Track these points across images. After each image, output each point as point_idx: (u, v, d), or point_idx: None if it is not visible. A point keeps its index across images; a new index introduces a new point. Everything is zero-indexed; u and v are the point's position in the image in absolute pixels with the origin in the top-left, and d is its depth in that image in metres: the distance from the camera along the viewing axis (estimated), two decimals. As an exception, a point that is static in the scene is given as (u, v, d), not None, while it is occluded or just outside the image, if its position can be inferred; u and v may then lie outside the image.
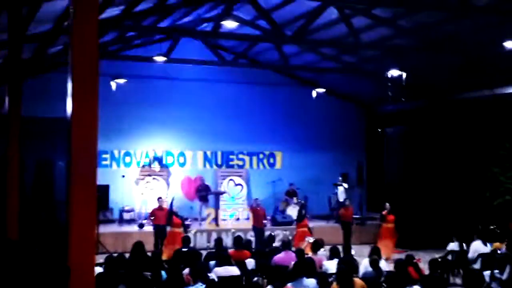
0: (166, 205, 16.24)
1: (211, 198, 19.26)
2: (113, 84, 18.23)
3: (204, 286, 7.69)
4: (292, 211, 19.05)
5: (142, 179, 20.10)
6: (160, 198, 16.65)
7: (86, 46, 4.59)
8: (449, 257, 12.70)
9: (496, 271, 10.51)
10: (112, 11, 12.10)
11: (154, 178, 20.23)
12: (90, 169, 4.63)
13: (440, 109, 18.85)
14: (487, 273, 10.73)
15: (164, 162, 20.65)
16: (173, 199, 16.10)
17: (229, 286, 8.89)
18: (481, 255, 11.69)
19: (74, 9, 4.56)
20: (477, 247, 12.00)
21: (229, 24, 14.28)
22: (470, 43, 14.71)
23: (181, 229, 15.15)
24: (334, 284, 8.29)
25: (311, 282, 8.38)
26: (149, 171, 20.25)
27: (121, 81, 18.51)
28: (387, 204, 16.48)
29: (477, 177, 18.31)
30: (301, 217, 16.17)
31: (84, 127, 4.63)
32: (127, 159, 20.43)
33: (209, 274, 8.66)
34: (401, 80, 16.27)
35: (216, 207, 18.65)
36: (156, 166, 20.41)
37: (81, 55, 4.59)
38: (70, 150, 4.59)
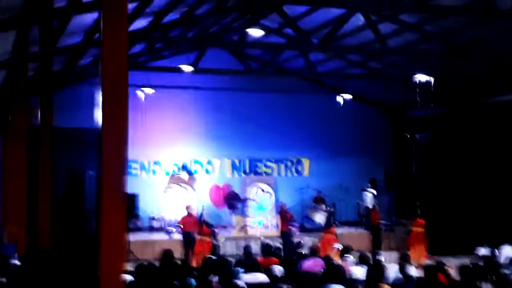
0: (194, 213, 16.35)
1: (239, 206, 19.33)
2: (141, 94, 18.47)
3: (233, 293, 7.74)
4: (320, 218, 19.01)
5: (171, 187, 20.28)
6: (188, 205, 16.78)
7: (116, 57, 4.69)
8: (480, 263, 12.54)
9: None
10: (140, 23, 12.31)
11: (182, 187, 20.38)
12: (120, 178, 4.72)
13: (468, 113, 18.66)
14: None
15: (192, 170, 20.80)
16: (203, 208, 16.21)
17: (257, 293, 8.92)
18: (512, 261, 11.54)
19: (104, 22, 4.67)
20: (509, 252, 11.84)
21: (256, 33, 14.39)
22: (496, 47, 14.58)
23: (209, 238, 15.23)
24: (363, 290, 8.26)
25: (339, 288, 8.36)
26: (177, 180, 20.41)
27: (149, 91, 18.73)
28: (418, 209, 16.36)
29: (507, 182, 18.06)
30: (329, 224, 16.13)
31: (114, 136, 4.72)
32: (156, 168, 20.64)
33: (238, 282, 8.70)
34: (429, 85, 16.18)
35: (244, 214, 18.70)
36: (184, 175, 20.57)
37: (111, 66, 4.70)
38: (101, 159, 4.69)
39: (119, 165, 4.73)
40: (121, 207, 4.70)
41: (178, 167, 20.63)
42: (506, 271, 11.47)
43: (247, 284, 8.88)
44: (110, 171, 4.69)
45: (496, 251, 12.47)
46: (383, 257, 13.99)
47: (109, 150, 4.72)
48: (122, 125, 4.76)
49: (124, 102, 4.76)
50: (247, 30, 14.75)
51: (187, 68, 16.26)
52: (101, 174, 4.68)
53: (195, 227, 15.44)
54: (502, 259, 11.87)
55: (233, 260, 11.54)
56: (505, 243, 12.44)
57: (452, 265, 11.26)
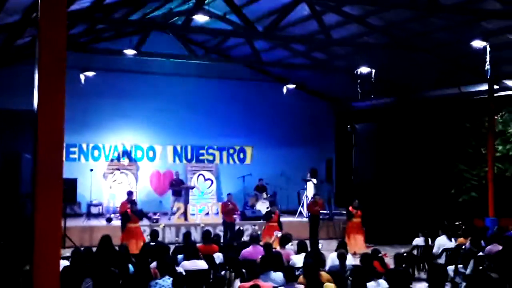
0: (134, 198, 16.18)
1: (183, 193, 19.19)
2: (82, 77, 18.03)
3: (171, 279, 7.70)
4: (261, 206, 19.13)
5: (111, 173, 19.95)
6: (130, 191, 16.56)
7: (54, 38, 4.55)
8: (415, 252, 12.88)
9: (460, 265, 10.74)
10: (82, 3, 11.99)
11: (122, 172, 20.09)
12: (57, 162, 4.60)
13: (409, 106, 19.10)
14: (451, 267, 10.99)
15: (133, 156, 20.54)
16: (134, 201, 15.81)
17: (196, 279, 8.90)
18: (445, 250, 11.89)
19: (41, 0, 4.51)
20: (442, 242, 12.19)
21: (201, 19, 14.25)
22: (438, 42, 14.95)
23: (138, 224, 14.82)
24: (301, 277, 8.36)
25: (278, 275, 8.45)
26: (117, 165, 20.11)
27: (90, 73, 18.31)
28: (356, 201, 16.62)
29: (444, 174, 18.62)
30: (269, 215, 16.16)
31: (51, 119, 4.59)
32: (96, 152, 20.27)
33: (176, 268, 8.66)
34: (371, 77, 16.45)
35: (186, 202, 18.61)
36: (124, 160, 20.29)
37: (49, 46, 4.55)
38: (37, 142, 4.55)
39: (56, 149, 4.60)
40: (58, 191, 4.59)
41: (118, 153, 20.32)
42: (439, 261, 11.85)
43: (186, 270, 8.86)
44: (46, 154, 4.55)
45: (430, 241, 12.82)
46: (321, 245, 14.26)
47: (46, 133, 4.57)
48: (59, 107, 4.62)
49: (62, 84, 4.62)
50: (192, 16, 14.58)
51: (130, 52, 15.95)
52: (37, 157, 4.54)
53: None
54: (435, 249, 12.20)
55: (172, 246, 11.48)
56: (440, 233, 12.79)
57: (388, 254, 11.57)
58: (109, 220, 17.55)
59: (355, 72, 16.55)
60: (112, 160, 20.20)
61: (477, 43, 13.33)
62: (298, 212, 19.71)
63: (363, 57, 16.49)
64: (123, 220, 14.80)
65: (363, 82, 17.19)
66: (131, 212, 14.40)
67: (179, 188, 19.09)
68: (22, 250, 4.09)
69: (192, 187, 19.76)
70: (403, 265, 10.13)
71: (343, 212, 18.31)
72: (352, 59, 17.33)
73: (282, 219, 17.55)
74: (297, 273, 8.71)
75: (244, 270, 8.74)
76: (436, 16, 13.40)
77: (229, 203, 16.66)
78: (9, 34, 13.02)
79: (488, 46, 13.21)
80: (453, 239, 12.37)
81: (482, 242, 11.63)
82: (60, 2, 4.68)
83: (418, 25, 14.31)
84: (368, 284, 7.81)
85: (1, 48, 14.09)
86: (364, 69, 16.33)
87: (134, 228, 14.36)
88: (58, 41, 4.59)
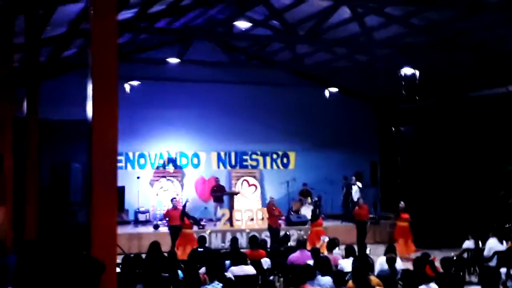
0: (180, 206, 16.32)
1: (225, 198, 19.33)
2: (126, 86, 18.34)
3: (221, 285, 7.74)
4: (306, 211, 19.06)
5: (157, 180, 20.21)
6: (174, 198, 16.74)
7: (106, 48, 4.64)
8: (465, 255, 12.65)
9: (513, 268, 10.50)
10: (125, 14, 12.21)
11: (168, 180, 20.33)
12: (111, 170, 4.68)
13: (454, 107, 18.77)
14: (503, 270, 10.74)
15: (178, 163, 20.76)
16: (186, 201, 16.16)
17: (245, 285, 8.93)
18: (496, 253, 11.64)
19: (94, 11, 4.61)
20: (493, 245, 11.94)
21: (242, 25, 14.34)
22: (483, 40, 14.66)
23: (192, 230, 15.12)
24: (350, 282, 8.30)
25: (327, 280, 8.40)
26: (163, 173, 20.36)
27: (135, 83, 18.61)
28: (402, 203, 16.42)
29: (492, 176, 18.20)
30: (315, 217, 16.17)
31: (105, 129, 4.67)
32: (142, 160, 20.57)
33: (226, 274, 8.71)
34: (415, 78, 16.24)
35: (231, 207, 18.70)
36: (170, 168, 20.52)
37: (101, 57, 4.64)
38: (91, 152, 4.64)
39: (110, 157, 4.69)
40: (112, 199, 4.67)
41: (164, 160, 20.57)
42: (490, 264, 11.60)
43: (234, 276, 8.89)
44: (101, 163, 4.64)
45: (481, 243, 12.57)
46: (369, 249, 14.12)
47: (100, 143, 4.66)
48: (112, 117, 4.71)
49: (114, 93, 4.71)
50: (234, 22, 14.69)
51: (173, 60, 16.16)
52: (92, 166, 4.63)
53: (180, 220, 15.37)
54: (486, 252, 11.95)
55: (219, 252, 11.56)
56: (490, 236, 12.52)
57: (437, 258, 11.36)
58: (156, 227, 17.77)
59: (398, 74, 16.37)
60: (158, 168, 20.46)
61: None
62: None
63: (406, 58, 16.30)
64: (172, 227, 15.06)
65: (407, 83, 16.98)
66: (187, 219, 14.70)
67: (220, 194, 19.21)
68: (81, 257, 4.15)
69: (236, 193, 19.85)
70: (452, 269, 9.95)
71: (390, 216, 18.11)
72: (394, 60, 17.14)
73: (328, 223, 17.50)
74: (345, 278, 8.66)
75: (291, 275, 8.72)
76: (479, 14, 13.14)
77: (274, 207, 16.69)
78: (56, 46, 13.35)
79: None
80: (504, 242, 12.10)
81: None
82: (111, 11, 4.78)
83: (460, 23, 14.06)
84: (419, 288, 7.70)
85: (49, 60, 14.44)
86: (407, 70, 16.14)
87: (188, 233, 14.64)
88: (110, 51, 4.69)
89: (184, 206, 15.73)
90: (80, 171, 13.51)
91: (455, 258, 11.36)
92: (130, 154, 20.35)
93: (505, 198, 17.80)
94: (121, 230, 16.90)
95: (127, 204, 19.01)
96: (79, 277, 3.29)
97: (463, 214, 17.25)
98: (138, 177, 19.55)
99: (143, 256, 10.25)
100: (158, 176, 20.29)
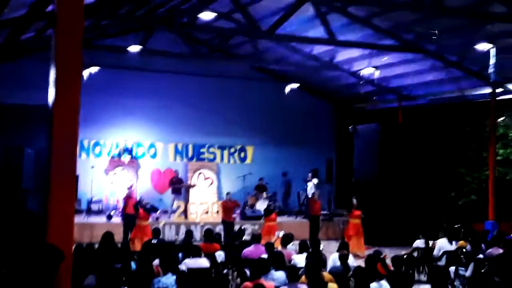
0: (135, 195, 16.18)
1: (183, 191, 19.20)
2: (85, 73, 17.99)
3: (174, 277, 7.70)
4: (261, 206, 19.10)
5: (111, 170, 19.93)
6: (129, 186, 16.57)
7: (71, 32, 4.53)
8: (415, 254, 12.88)
9: (461, 268, 10.75)
10: (87, -1, 11.96)
11: (123, 170, 20.06)
12: (71, 158, 4.59)
13: (411, 108, 19.10)
14: (451, 269, 10.99)
15: (134, 153, 20.52)
16: (141, 198, 15.80)
17: (199, 277, 8.89)
18: (446, 253, 11.89)
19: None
20: (442, 244, 12.17)
21: (206, 16, 14.24)
22: (442, 44, 14.95)
23: (148, 222, 14.91)
24: (303, 277, 8.36)
25: (280, 275, 8.45)
26: (118, 162, 20.09)
27: (94, 70, 18.29)
28: (354, 200, 16.57)
29: (444, 177, 18.62)
30: (269, 211, 16.20)
31: (66, 115, 4.57)
32: (97, 149, 20.26)
33: (180, 266, 8.66)
34: (373, 79, 16.47)
35: (186, 200, 18.61)
36: (126, 158, 20.26)
37: (65, 41, 4.53)
38: (51, 138, 4.53)
39: (70, 145, 4.59)
40: (71, 188, 4.59)
41: (120, 150, 20.30)
42: (439, 263, 11.85)
43: (188, 269, 8.85)
44: (60, 150, 4.53)
45: (431, 243, 12.82)
46: (322, 245, 14.24)
47: (60, 129, 4.56)
48: (74, 103, 4.61)
49: (77, 79, 4.61)
50: (197, 14, 14.57)
51: (134, 49, 15.95)
52: (52, 153, 4.52)
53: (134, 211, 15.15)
54: (436, 251, 12.20)
55: (173, 244, 11.48)
56: (440, 236, 12.79)
57: (387, 256, 11.55)
58: (109, 217, 17.54)
59: (358, 73, 16.57)
60: (113, 157, 20.19)
61: (482, 46, 13.34)
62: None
63: (366, 59, 16.50)
64: (125, 218, 14.85)
65: (366, 83, 17.21)
66: (142, 210, 14.47)
67: (179, 186, 19.09)
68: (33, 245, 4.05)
69: (192, 186, 19.74)
70: (402, 267, 10.13)
71: (343, 213, 18.31)
72: (355, 60, 17.33)
73: (282, 219, 17.56)
74: (299, 273, 8.71)
75: (246, 269, 8.74)
76: (441, 18, 13.39)
77: (229, 202, 16.67)
78: (14, 28, 12.98)
79: (492, 49, 13.22)
80: (453, 242, 12.37)
81: (483, 245, 11.64)
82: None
83: (423, 27, 14.30)
84: (371, 285, 7.81)
85: (5, 42, 14.04)
86: (367, 71, 16.35)
87: (144, 225, 14.43)
88: (75, 37, 4.58)
89: (141, 197, 15.51)
90: (33, 157, 13.18)
91: (405, 256, 11.55)
92: (85, 142, 20.02)
93: (456, 199, 18.27)
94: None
95: (80, 193, 18.68)
96: (38, 264, 3.22)
97: (415, 213, 17.56)
98: (92, 166, 19.25)
99: (96, 246, 10.12)
100: (113, 166, 20.01)
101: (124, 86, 19.78)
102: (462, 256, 11.47)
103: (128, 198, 15.71)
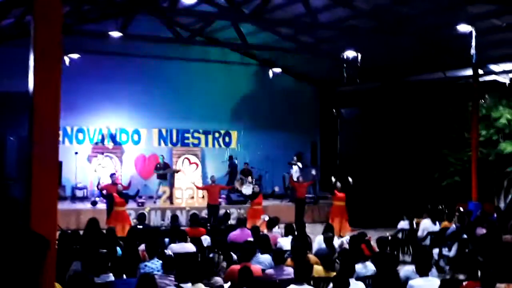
0: (119, 181, 16.12)
1: (168, 176, 19.14)
2: (66, 59, 17.80)
3: (160, 262, 7.71)
4: (247, 190, 19.14)
5: (95, 156, 19.81)
6: (113, 174, 16.50)
7: (50, 17, 4.46)
8: (399, 235, 13.00)
9: (444, 248, 10.87)
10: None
11: (107, 156, 19.94)
12: (52, 145, 4.54)
13: (394, 90, 19.16)
14: (435, 250, 11.11)
15: (117, 139, 20.41)
16: (138, 191, 15.66)
17: (185, 262, 8.90)
18: (430, 233, 12.02)
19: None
20: (426, 225, 12.31)
21: (187, 0, 14.12)
22: (424, 26, 14.98)
23: (124, 208, 14.72)
24: (289, 260, 8.42)
25: (266, 258, 8.50)
26: (102, 149, 19.96)
27: (75, 56, 18.10)
28: (338, 183, 16.61)
29: (428, 158, 18.77)
30: (255, 194, 16.24)
31: (47, 102, 4.52)
32: (80, 136, 20.14)
33: (166, 251, 8.66)
34: (356, 61, 16.47)
35: (171, 185, 18.59)
36: (109, 144, 20.15)
37: (44, 26, 4.46)
38: (32, 125, 4.49)
39: (51, 132, 4.55)
40: (53, 175, 4.54)
41: (103, 136, 20.17)
42: (424, 243, 11.98)
43: (174, 253, 8.85)
44: (41, 137, 4.48)
45: (415, 224, 12.95)
46: (307, 228, 14.32)
47: (41, 116, 4.50)
48: (55, 89, 4.55)
49: (57, 65, 4.55)
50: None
51: (115, 34, 15.77)
52: (33, 140, 4.47)
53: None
54: (420, 232, 12.32)
55: (159, 229, 11.49)
56: (424, 217, 12.92)
57: (372, 238, 11.65)
58: (94, 203, 17.49)
59: (341, 56, 16.56)
60: (96, 143, 20.06)
61: (463, 27, 13.39)
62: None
63: (349, 41, 16.49)
64: (109, 203, 14.74)
65: (349, 66, 17.21)
66: (117, 194, 14.29)
67: (164, 172, 19.04)
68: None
69: (177, 171, 19.69)
70: (387, 248, 10.22)
71: (328, 196, 18.38)
72: (338, 43, 17.31)
73: (268, 202, 17.59)
74: (284, 256, 8.77)
75: (232, 253, 8.77)
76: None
77: (213, 185, 16.64)
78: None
79: (473, 31, 13.27)
80: (437, 223, 12.50)
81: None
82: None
83: (404, 8, 14.31)
84: (356, 266, 7.88)
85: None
86: (350, 53, 16.34)
87: (120, 211, 14.28)
88: (54, 22, 4.51)
89: (129, 184, 15.42)
90: (16, 144, 13.10)
91: (390, 238, 11.66)
92: (68, 129, 19.89)
93: (439, 180, 18.43)
94: (58, 206, 16.55)
95: (64, 180, 18.58)
96: (24, 253, 3.19)
97: (399, 195, 17.71)
98: (76, 153, 19.14)
99: (81, 232, 10.09)
100: (96, 152, 19.88)
101: (106, 72, 19.62)
102: (446, 236, 11.59)
103: (111, 186, 15.61)
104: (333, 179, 16.43)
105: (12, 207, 10.54)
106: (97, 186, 16.58)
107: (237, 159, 21.00)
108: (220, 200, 17.29)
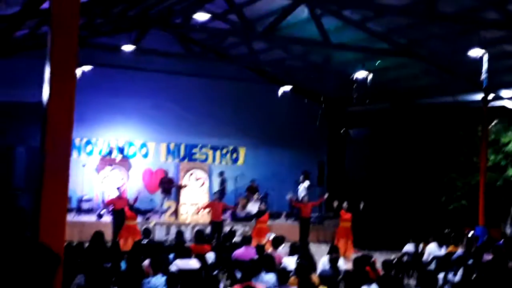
0: (125, 195, 16.14)
1: (173, 191, 19.16)
2: (78, 71, 17.89)
3: (164, 278, 7.68)
4: (252, 207, 19.11)
5: (102, 168, 19.82)
6: (119, 187, 16.52)
7: (66, 30, 4.50)
8: (404, 258, 12.91)
9: (450, 273, 10.78)
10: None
11: (114, 168, 19.95)
12: (65, 157, 4.56)
13: (403, 112, 19.14)
14: (440, 275, 11.02)
15: (125, 152, 20.44)
16: (136, 197, 15.77)
17: (189, 278, 8.88)
18: (435, 258, 11.93)
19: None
20: (432, 249, 12.24)
21: (200, 17, 14.22)
22: (436, 50, 15.01)
23: (135, 222, 14.83)
24: (292, 278, 8.36)
25: (270, 277, 8.45)
26: (109, 161, 19.98)
27: (86, 68, 18.20)
28: (345, 203, 16.57)
29: (435, 181, 18.68)
30: (261, 212, 16.20)
31: (61, 113, 4.54)
32: (88, 147, 20.18)
33: (170, 267, 8.65)
34: (366, 82, 16.50)
35: (177, 200, 18.57)
36: (117, 156, 20.16)
37: (61, 39, 4.49)
38: (45, 136, 4.50)
39: (64, 143, 4.56)
40: (64, 187, 4.55)
41: (111, 148, 20.21)
42: (429, 268, 11.88)
43: (178, 269, 8.84)
44: (54, 149, 4.50)
45: (421, 247, 12.86)
46: (312, 248, 14.26)
47: (55, 127, 4.52)
48: (69, 101, 4.58)
49: (73, 76, 4.59)
50: (192, 14, 14.56)
51: (127, 47, 15.88)
52: (45, 152, 4.48)
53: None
54: (425, 256, 12.24)
55: (163, 245, 11.46)
56: (430, 241, 12.83)
57: (377, 260, 11.59)
58: (99, 216, 17.48)
59: (351, 77, 16.60)
60: (104, 156, 20.09)
61: (475, 52, 13.39)
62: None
63: (360, 61, 16.52)
64: (115, 217, 14.79)
65: (359, 86, 17.24)
66: (129, 209, 14.41)
67: (169, 186, 19.04)
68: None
69: (184, 186, 19.68)
70: (392, 271, 10.16)
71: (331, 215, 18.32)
72: (349, 63, 17.35)
73: (273, 221, 17.54)
74: (289, 275, 8.71)
75: (237, 271, 8.74)
76: (435, 24, 13.45)
77: (217, 202, 16.62)
78: (8, 25, 12.93)
79: (485, 55, 13.28)
80: (443, 247, 12.42)
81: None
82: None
83: (416, 32, 14.35)
84: (361, 289, 7.84)
85: (-2, 39, 14.01)
86: (360, 74, 16.37)
87: (132, 226, 14.36)
88: (70, 34, 4.55)
89: (136, 199, 15.48)
90: (25, 155, 13.15)
91: (395, 261, 11.58)
92: (77, 141, 19.93)
93: (446, 204, 18.33)
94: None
95: (70, 191, 18.54)
96: (34, 268, 3.16)
97: (405, 217, 17.60)
98: (83, 165, 19.16)
99: (86, 245, 10.09)
100: (104, 164, 19.90)
101: (117, 85, 19.70)
102: (451, 261, 11.50)
103: (117, 199, 15.64)
104: (335, 203, 16.41)
105: (20, 217, 10.57)
106: (103, 202, 16.60)
107: (244, 176, 20.91)
108: (224, 217, 17.24)
